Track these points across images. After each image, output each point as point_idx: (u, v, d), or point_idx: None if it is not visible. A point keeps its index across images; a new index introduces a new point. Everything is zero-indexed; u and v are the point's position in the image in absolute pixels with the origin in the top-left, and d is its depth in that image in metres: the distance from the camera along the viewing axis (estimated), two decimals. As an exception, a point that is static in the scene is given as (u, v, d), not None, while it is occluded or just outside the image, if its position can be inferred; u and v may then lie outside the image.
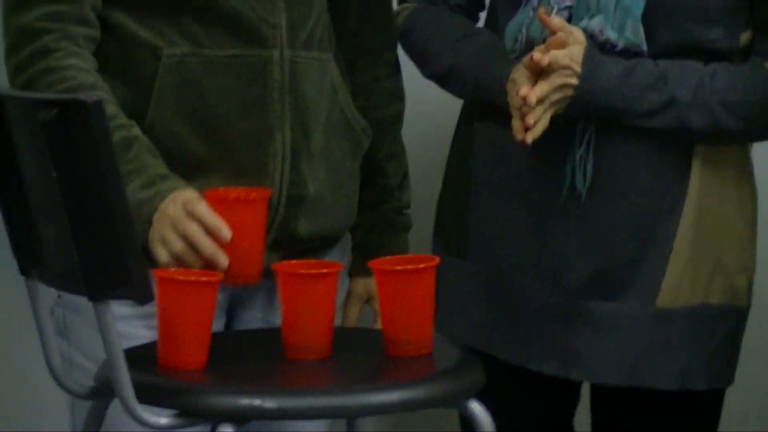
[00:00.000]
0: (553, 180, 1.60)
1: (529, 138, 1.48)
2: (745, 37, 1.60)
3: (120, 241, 1.23)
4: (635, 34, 1.54)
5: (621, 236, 1.60)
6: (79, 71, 1.45)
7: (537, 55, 1.48)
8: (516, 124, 1.50)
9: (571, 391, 1.73)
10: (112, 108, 1.42)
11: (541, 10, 1.54)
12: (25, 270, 1.37)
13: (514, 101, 1.51)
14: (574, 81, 1.50)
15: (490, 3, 1.75)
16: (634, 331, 1.62)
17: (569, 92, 1.51)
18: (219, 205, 1.40)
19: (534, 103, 1.47)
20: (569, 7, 1.58)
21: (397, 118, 1.70)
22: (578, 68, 1.50)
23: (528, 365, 1.67)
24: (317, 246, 1.58)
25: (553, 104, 1.50)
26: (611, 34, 1.56)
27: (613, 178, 1.59)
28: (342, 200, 1.63)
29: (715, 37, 1.59)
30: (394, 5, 1.74)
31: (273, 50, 1.55)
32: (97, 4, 1.50)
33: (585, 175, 1.58)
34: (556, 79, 1.50)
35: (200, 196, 1.39)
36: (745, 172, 1.66)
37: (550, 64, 1.48)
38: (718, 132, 1.59)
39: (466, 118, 1.77)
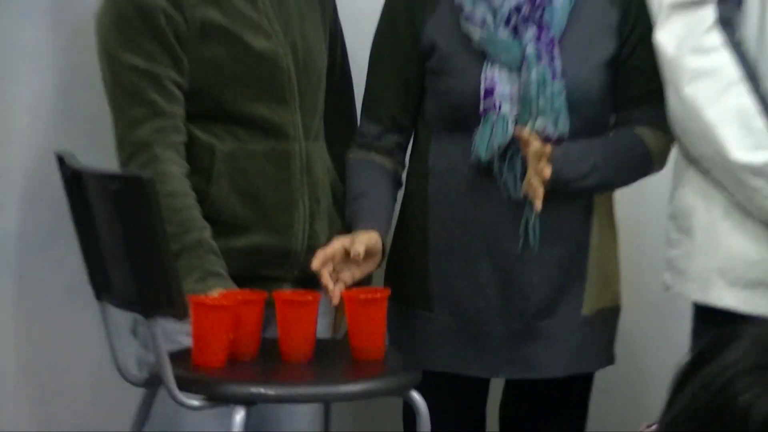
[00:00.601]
0: (511, 239, 2.13)
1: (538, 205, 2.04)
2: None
3: (167, 275, 1.76)
4: (564, 126, 2.09)
5: (558, 271, 2.14)
6: (176, 179, 2.03)
7: (537, 155, 2.02)
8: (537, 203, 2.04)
9: (486, 387, 2.28)
10: (195, 212, 1.99)
11: (518, 129, 2.06)
12: (98, 295, 1.92)
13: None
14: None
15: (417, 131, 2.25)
16: (570, 337, 2.18)
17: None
18: (283, 303, 1.95)
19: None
20: (517, 114, 2.11)
21: None
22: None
23: (497, 376, 2.20)
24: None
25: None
26: (550, 129, 2.10)
27: (550, 230, 2.12)
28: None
29: (609, 118, 2.17)
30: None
31: (294, 143, 2.13)
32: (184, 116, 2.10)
33: (535, 234, 2.11)
34: (547, 170, 2.03)
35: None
36: (612, 209, 2.26)
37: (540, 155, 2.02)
38: (612, 185, 2.18)
39: (418, 194, 2.25)
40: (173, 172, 1.98)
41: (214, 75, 2.11)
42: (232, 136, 2.14)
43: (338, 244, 1.98)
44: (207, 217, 2.01)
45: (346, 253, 1.96)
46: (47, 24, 2.29)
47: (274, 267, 2.18)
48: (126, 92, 2.08)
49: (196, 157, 2.11)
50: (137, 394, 2.02)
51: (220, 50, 2.10)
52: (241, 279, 2.03)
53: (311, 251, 2.09)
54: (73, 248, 2.05)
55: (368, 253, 1.98)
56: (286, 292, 1.94)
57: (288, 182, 2.16)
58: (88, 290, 2.03)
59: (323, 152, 2.22)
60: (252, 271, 2.12)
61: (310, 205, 2.17)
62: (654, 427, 1.08)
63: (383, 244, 2.08)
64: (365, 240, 1.98)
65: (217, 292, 1.91)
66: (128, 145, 2.07)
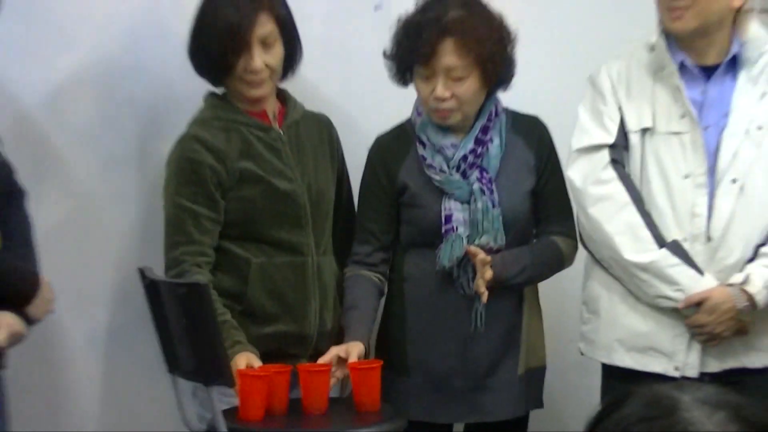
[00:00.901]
0: (465, 323, 2.74)
1: (484, 299, 2.67)
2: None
3: (219, 354, 2.40)
4: (502, 241, 2.73)
5: (499, 343, 2.78)
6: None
7: (483, 263, 2.64)
8: (483, 297, 2.66)
9: (451, 429, 2.92)
10: (218, 303, 2.59)
11: (470, 248, 2.67)
12: (170, 370, 2.57)
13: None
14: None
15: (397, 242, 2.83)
16: (510, 389, 2.80)
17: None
18: (304, 372, 2.56)
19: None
20: (468, 234, 2.73)
21: None
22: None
23: (459, 421, 2.85)
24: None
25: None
26: (492, 244, 2.74)
27: (493, 315, 2.74)
28: (337, 328, 2.86)
29: (532, 231, 2.83)
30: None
31: (308, 258, 2.77)
32: (215, 242, 2.71)
33: (482, 319, 2.74)
34: (489, 273, 2.66)
35: (254, 358, 2.55)
36: (538, 296, 2.88)
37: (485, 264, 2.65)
38: (537, 280, 2.84)
39: (398, 293, 2.85)
40: (199, 279, 2.60)
41: (249, 209, 2.75)
42: (262, 252, 2.76)
43: (334, 352, 2.62)
44: (243, 312, 2.63)
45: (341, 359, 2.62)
46: (133, 171, 2.96)
47: (294, 346, 2.79)
48: (172, 223, 2.74)
49: (235, 267, 2.74)
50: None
51: (254, 191, 2.73)
52: (269, 356, 2.64)
53: (322, 335, 2.75)
54: (150, 336, 2.73)
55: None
56: (306, 364, 2.61)
57: (303, 286, 2.79)
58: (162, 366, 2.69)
59: (331, 262, 2.86)
60: (278, 350, 2.74)
61: (320, 302, 2.81)
62: None
63: (368, 345, 2.74)
64: (357, 352, 2.62)
65: (242, 355, 2.52)
66: (168, 260, 2.73)
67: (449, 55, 2.70)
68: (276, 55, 2.72)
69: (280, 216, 2.79)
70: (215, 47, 2.65)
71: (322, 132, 2.94)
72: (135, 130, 2.99)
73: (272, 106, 2.82)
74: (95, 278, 2.97)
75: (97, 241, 2.96)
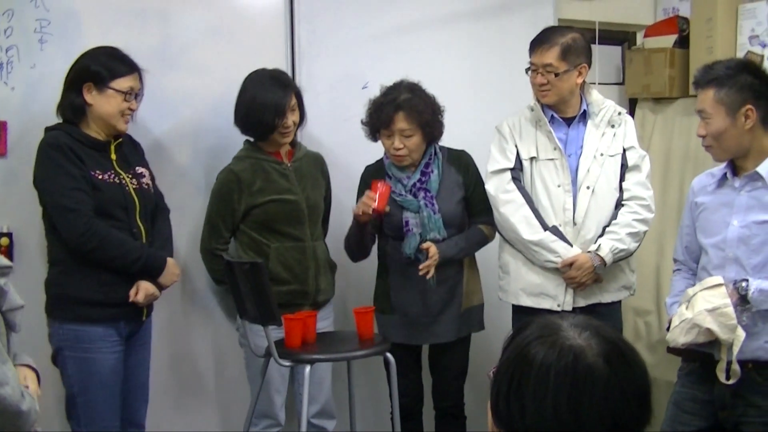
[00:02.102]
0: (425, 283, 3.57)
1: (429, 275, 3.55)
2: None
3: (271, 306, 3.36)
4: (443, 234, 3.58)
5: (447, 294, 3.67)
6: (219, 257, 3.68)
7: (431, 251, 3.51)
8: (431, 271, 3.57)
9: (420, 349, 3.85)
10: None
11: (426, 244, 3.50)
12: (241, 316, 3.57)
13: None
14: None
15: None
16: (456, 320, 3.71)
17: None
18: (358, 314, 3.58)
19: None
20: (421, 233, 3.59)
21: None
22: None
23: (425, 342, 3.74)
24: (323, 305, 3.85)
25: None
26: (438, 237, 3.60)
27: (442, 279, 3.64)
28: (331, 286, 3.88)
29: (465, 224, 3.74)
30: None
31: (307, 243, 3.74)
32: (230, 235, 3.74)
33: (434, 279, 3.60)
34: (437, 255, 3.57)
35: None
36: (475, 263, 3.75)
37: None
38: (470, 254, 3.75)
39: (383, 266, 3.76)
40: (256, 258, 3.55)
41: (268, 212, 3.67)
42: (277, 239, 3.70)
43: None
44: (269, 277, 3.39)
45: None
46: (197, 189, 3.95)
47: (300, 299, 3.72)
48: (210, 222, 3.77)
49: (261, 249, 3.68)
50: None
51: (271, 204, 3.67)
52: (284, 306, 3.52)
53: (317, 291, 3.77)
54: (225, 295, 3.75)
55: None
56: (357, 308, 3.67)
57: (305, 260, 3.74)
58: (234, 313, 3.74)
59: (321, 245, 3.85)
60: (289, 302, 3.65)
61: (315, 270, 3.77)
62: (493, 370, 1.51)
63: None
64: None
65: None
66: (203, 249, 3.78)
67: (401, 122, 3.59)
68: (296, 117, 3.77)
69: (288, 217, 3.70)
70: (268, 117, 3.63)
71: (317, 166, 3.91)
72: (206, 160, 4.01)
73: (285, 149, 3.81)
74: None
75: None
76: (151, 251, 3.42)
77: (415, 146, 3.64)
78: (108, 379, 3.35)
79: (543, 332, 1.45)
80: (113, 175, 3.38)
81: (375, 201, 3.52)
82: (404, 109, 3.59)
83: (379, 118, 3.62)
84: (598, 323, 1.51)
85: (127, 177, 3.43)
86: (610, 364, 1.42)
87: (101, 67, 3.34)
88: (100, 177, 3.34)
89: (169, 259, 3.49)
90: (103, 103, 3.35)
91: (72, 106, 3.35)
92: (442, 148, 3.80)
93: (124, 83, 3.36)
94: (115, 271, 3.33)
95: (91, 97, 3.34)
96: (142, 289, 3.36)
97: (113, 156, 3.43)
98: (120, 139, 3.47)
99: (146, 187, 3.48)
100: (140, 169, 3.51)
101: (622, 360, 1.44)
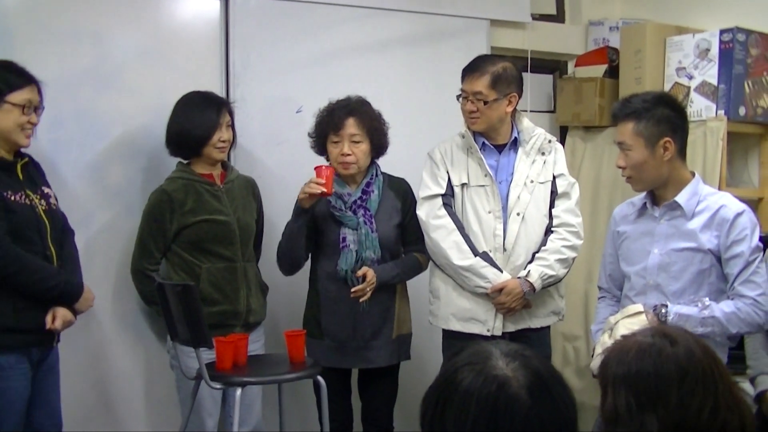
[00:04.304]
0: (357, 306, 3.62)
1: (364, 299, 3.60)
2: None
3: (202, 329, 3.33)
4: (378, 254, 3.62)
5: (379, 319, 3.68)
6: (150, 278, 3.64)
7: (369, 275, 3.57)
8: (368, 295, 3.58)
9: (349, 374, 3.83)
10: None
11: (363, 269, 3.53)
12: (172, 337, 3.53)
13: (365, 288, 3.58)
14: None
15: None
16: (387, 347, 3.71)
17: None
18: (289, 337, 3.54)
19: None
20: (357, 250, 3.60)
21: None
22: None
23: (355, 367, 3.72)
24: (254, 326, 3.83)
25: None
26: (373, 256, 3.63)
27: (375, 302, 3.66)
28: (262, 308, 3.86)
29: (400, 250, 3.78)
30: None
31: (238, 264, 3.73)
32: (162, 255, 3.70)
33: (367, 304, 3.64)
34: (374, 279, 3.60)
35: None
36: (406, 289, 3.75)
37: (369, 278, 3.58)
38: (404, 280, 3.77)
39: (314, 287, 3.74)
40: (188, 281, 3.51)
41: (199, 232, 3.66)
42: (208, 260, 3.70)
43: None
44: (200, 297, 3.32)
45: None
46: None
47: (231, 320, 3.71)
48: (141, 242, 3.72)
49: (192, 270, 3.67)
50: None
51: (203, 224, 3.67)
52: (214, 327, 3.50)
53: (248, 312, 3.76)
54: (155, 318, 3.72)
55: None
56: (288, 330, 3.63)
57: (236, 281, 3.74)
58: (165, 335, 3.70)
59: (253, 266, 3.86)
60: (220, 323, 3.64)
61: (246, 291, 3.77)
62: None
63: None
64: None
65: None
66: (133, 267, 3.75)
67: (352, 127, 3.64)
68: (230, 135, 3.79)
69: (219, 237, 3.71)
70: (202, 131, 3.65)
71: (248, 188, 3.92)
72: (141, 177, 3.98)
73: (217, 171, 3.82)
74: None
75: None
76: (68, 277, 3.34)
77: (363, 155, 3.69)
78: (19, 407, 3.24)
79: (473, 359, 1.48)
80: (23, 197, 3.28)
81: (322, 185, 3.55)
82: (355, 114, 3.67)
83: (330, 122, 3.67)
84: (531, 354, 1.54)
85: (36, 198, 3.33)
86: (533, 396, 1.44)
87: None
88: (12, 198, 3.23)
89: (86, 285, 3.43)
90: (1, 118, 3.24)
91: None
92: (383, 173, 3.85)
93: (20, 96, 3.26)
94: (32, 297, 3.22)
95: None
96: (60, 316, 3.27)
97: (20, 176, 3.32)
98: (26, 159, 3.38)
99: (54, 208, 3.39)
100: (46, 190, 3.41)
101: (546, 393, 1.46)
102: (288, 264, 3.82)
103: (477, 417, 1.42)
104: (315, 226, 3.74)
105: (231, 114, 3.81)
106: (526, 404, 1.43)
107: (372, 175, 3.77)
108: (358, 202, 3.74)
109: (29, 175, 3.37)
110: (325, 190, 3.55)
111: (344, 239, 3.70)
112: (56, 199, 3.43)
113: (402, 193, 3.83)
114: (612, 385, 1.69)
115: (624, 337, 1.76)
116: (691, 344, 1.66)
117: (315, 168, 3.59)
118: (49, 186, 3.44)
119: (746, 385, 3.27)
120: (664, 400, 1.63)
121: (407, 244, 3.87)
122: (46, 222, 3.31)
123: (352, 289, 3.60)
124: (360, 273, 3.60)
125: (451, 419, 1.43)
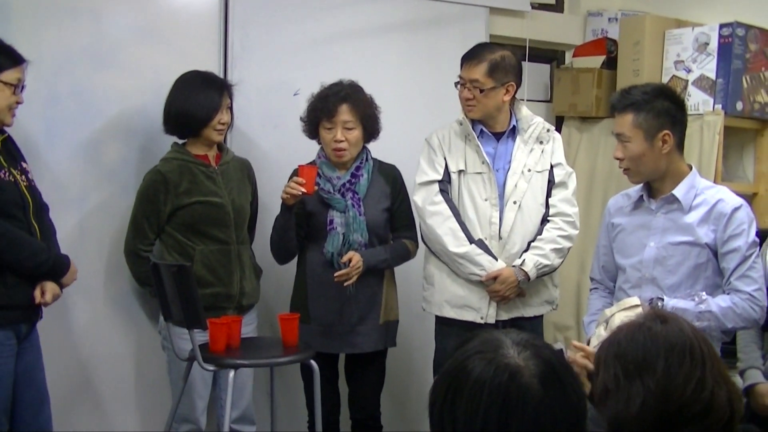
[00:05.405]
0: (344, 290, 3.60)
1: (349, 283, 3.60)
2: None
3: (197, 310, 3.34)
4: (366, 238, 3.64)
5: (366, 304, 3.68)
6: (144, 258, 3.65)
7: (354, 260, 3.59)
8: (354, 279, 3.58)
9: (337, 358, 3.83)
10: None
11: (348, 254, 3.52)
12: (166, 319, 3.52)
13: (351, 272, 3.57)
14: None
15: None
16: (373, 333, 3.70)
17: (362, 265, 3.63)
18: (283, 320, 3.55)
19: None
20: (344, 233, 3.63)
21: None
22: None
23: (343, 352, 3.72)
24: (247, 309, 3.84)
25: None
26: (360, 239, 3.66)
27: (362, 286, 3.66)
28: (255, 290, 3.87)
29: (389, 235, 3.77)
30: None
31: (232, 246, 3.72)
32: (156, 237, 3.68)
33: (354, 288, 3.63)
34: (361, 264, 3.61)
35: None
36: (393, 274, 3.78)
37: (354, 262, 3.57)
38: (392, 266, 3.76)
39: (302, 271, 3.74)
40: (184, 262, 3.54)
41: (193, 215, 3.64)
42: (202, 242, 3.68)
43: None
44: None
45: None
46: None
47: (224, 302, 3.70)
48: (135, 223, 3.71)
49: (185, 251, 3.66)
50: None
51: (197, 205, 3.65)
52: (208, 309, 3.46)
53: (241, 294, 3.76)
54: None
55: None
56: (282, 314, 3.66)
57: (230, 263, 3.74)
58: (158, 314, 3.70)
59: (247, 248, 3.85)
60: (213, 305, 3.62)
61: (239, 273, 3.76)
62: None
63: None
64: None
65: None
66: (127, 248, 3.73)
67: (345, 114, 3.64)
68: (229, 117, 3.78)
69: (213, 219, 3.70)
70: (203, 112, 3.63)
71: (243, 171, 3.91)
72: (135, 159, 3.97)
73: (213, 152, 3.81)
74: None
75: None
76: (55, 252, 3.36)
77: (356, 140, 3.69)
78: (7, 383, 3.24)
79: (483, 348, 1.48)
80: (7, 173, 3.27)
81: (303, 186, 3.55)
82: (348, 101, 3.66)
83: (323, 108, 3.67)
84: (542, 343, 1.53)
85: (17, 174, 3.32)
86: (545, 386, 1.44)
87: None
88: None
89: (71, 260, 3.43)
90: None
91: None
92: (374, 158, 3.85)
93: (11, 75, 3.25)
94: (21, 273, 3.23)
95: None
96: (49, 290, 3.28)
97: (2, 153, 3.30)
98: (5, 135, 3.35)
99: (33, 184, 3.37)
100: (24, 165, 3.39)
101: (558, 383, 1.46)
102: (281, 255, 3.85)
103: (489, 406, 1.42)
104: (305, 211, 3.75)
105: (231, 96, 3.81)
106: (538, 394, 1.43)
107: (362, 160, 3.77)
108: (347, 185, 3.74)
109: (9, 151, 3.35)
110: (305, 190, 3.55)
111: (332, 222, 3.71)
112: (33, 175, 3.41)
113: (392, 178, 3.84)
114: (603, 363, 1.70)
115: (619, 328, 1.75)
116: (682, 324, 1.67)
117: (298, 167, 3.60)
118: (26, 161, 3.42)
119: (736, 379, 3.27)
120: (652, 369, 1.63)
121: (396, 231, 3.88)
122: (29, 198, 3.30)
123: (336, 273, 3.61)
124: (345, 258, 3.60)
125: (462, 408, 1.43)
